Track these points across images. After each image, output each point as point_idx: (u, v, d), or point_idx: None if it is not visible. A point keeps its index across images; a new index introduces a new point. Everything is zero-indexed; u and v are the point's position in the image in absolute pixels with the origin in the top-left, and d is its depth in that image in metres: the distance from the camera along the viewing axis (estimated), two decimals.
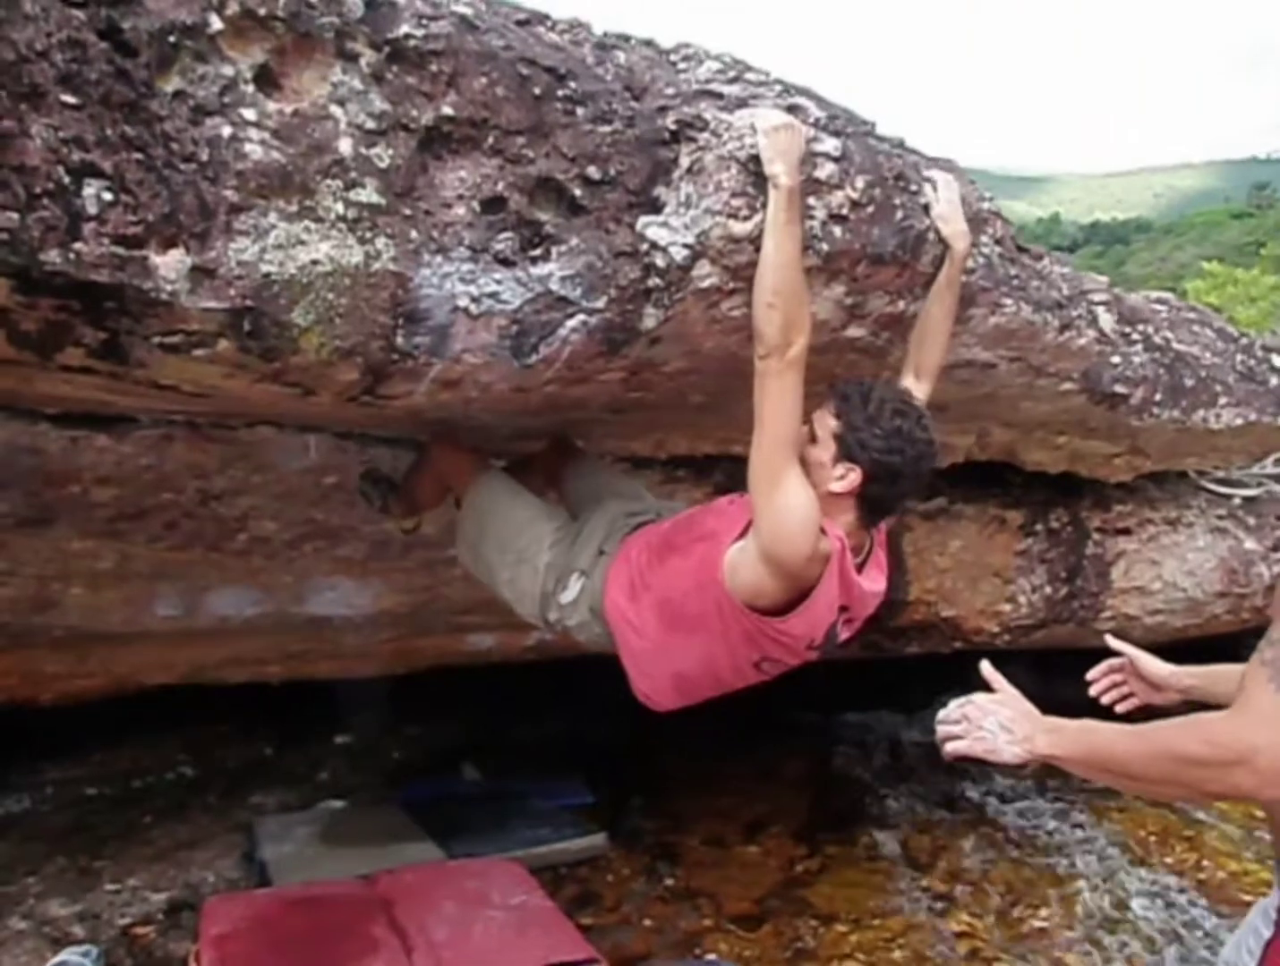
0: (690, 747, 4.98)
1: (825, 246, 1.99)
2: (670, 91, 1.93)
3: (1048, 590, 4.30)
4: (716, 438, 3.10)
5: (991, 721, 1.51)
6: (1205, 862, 3.96)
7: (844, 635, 2.08)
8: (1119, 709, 1.92)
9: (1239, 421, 3.42)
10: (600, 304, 1.81)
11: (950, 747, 1.54)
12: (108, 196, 1.34)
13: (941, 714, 1.57)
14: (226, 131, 1.45)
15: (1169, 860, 4.01)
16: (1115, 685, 1.96)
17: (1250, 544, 4.65)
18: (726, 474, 3.49)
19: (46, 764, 4.37)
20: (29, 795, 4.16)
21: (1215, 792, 1.45)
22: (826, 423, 1.92)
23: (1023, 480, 4.15)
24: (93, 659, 3.63)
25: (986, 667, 1.64)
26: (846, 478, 1.89)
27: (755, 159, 1.84)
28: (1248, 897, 3.67)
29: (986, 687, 1.61)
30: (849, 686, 5.45)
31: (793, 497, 1.81)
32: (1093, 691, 1.97)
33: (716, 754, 4.99)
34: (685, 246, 1.83)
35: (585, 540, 2.30)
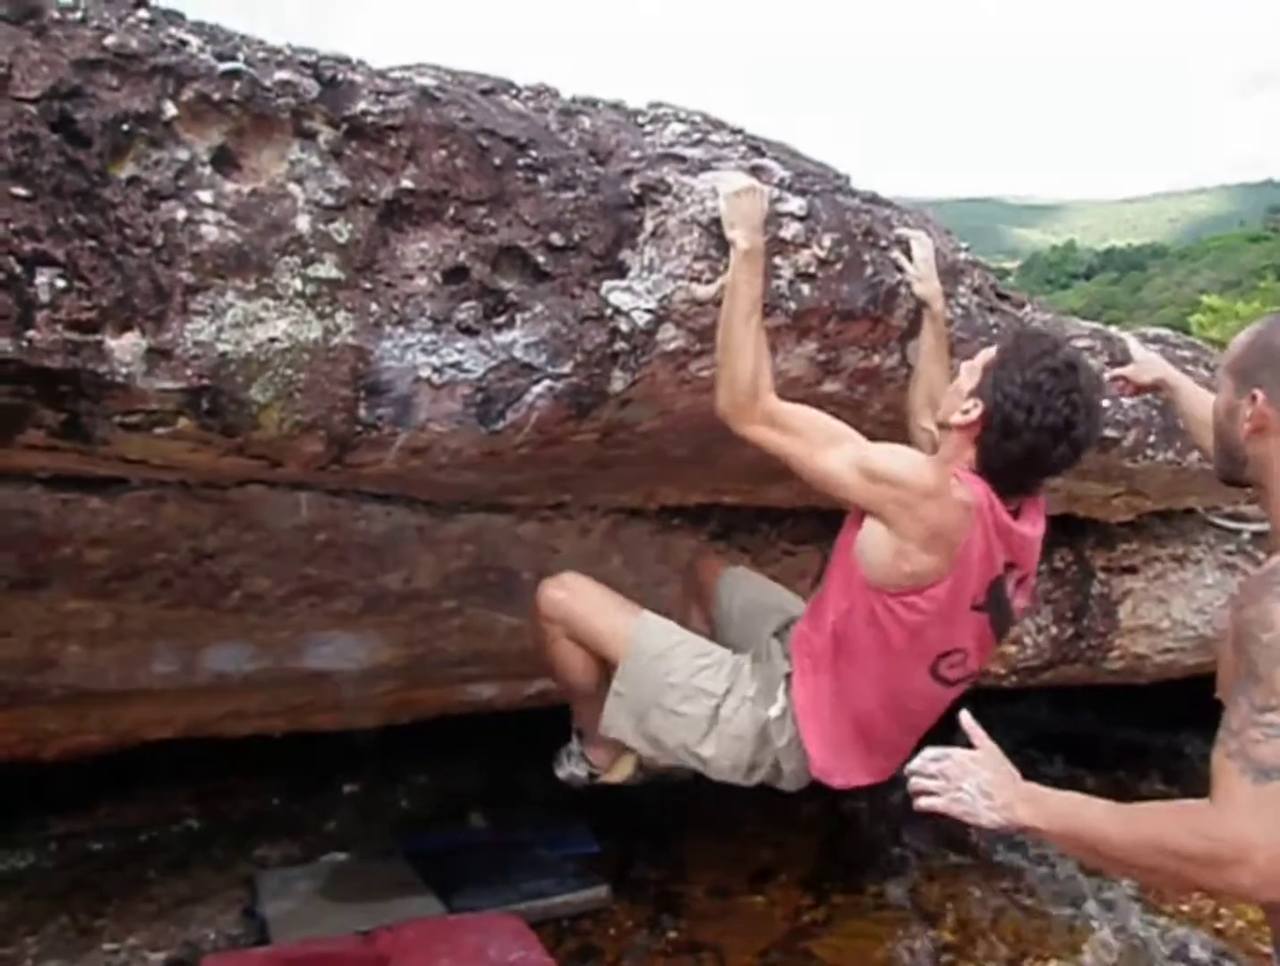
0: (701, 790, 4.93)
1: (793, 305, 2.00)
2: (635, 155, 1.95)
3: (1054, 631, 4.25)
4: (705, 488, 3.10)
5: (971, 783, 1.44)
6: (1223, 911, 3.87)
7: (1018, 600, 1.96)
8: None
9: None
10: (566, 369, 1.82)
11: (925, 803, 1.47)
12: (60, 284, 1.37)
13: (915, 764, 1.49)
14: (182, 214, 1.47)
15: (1185, 908, 3.92)
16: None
17: None
18: (721, 521, 3.49)
19: (54, 818, 4.37)
20: (34, 851, 4.15)
21: (1205, 887, 1.38)
22: (989, 353, 1.90)
23: None
24: (93, 716, 3.64)
25: (966, 719, 1.54)
26: (969, 413, 1.84)
27: (717, 222, 1.85)
28: (1266, 949, 3.58)
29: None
30: None
31: (876, 456, 1.80)
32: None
33: (727, 796, 4.92)
34: (648, 311, 1.84)
35: (771, 653, 2.14)
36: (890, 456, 1.82)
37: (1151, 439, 3.13)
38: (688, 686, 2.06)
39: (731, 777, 2.16)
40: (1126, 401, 3.01)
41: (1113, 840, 1.34)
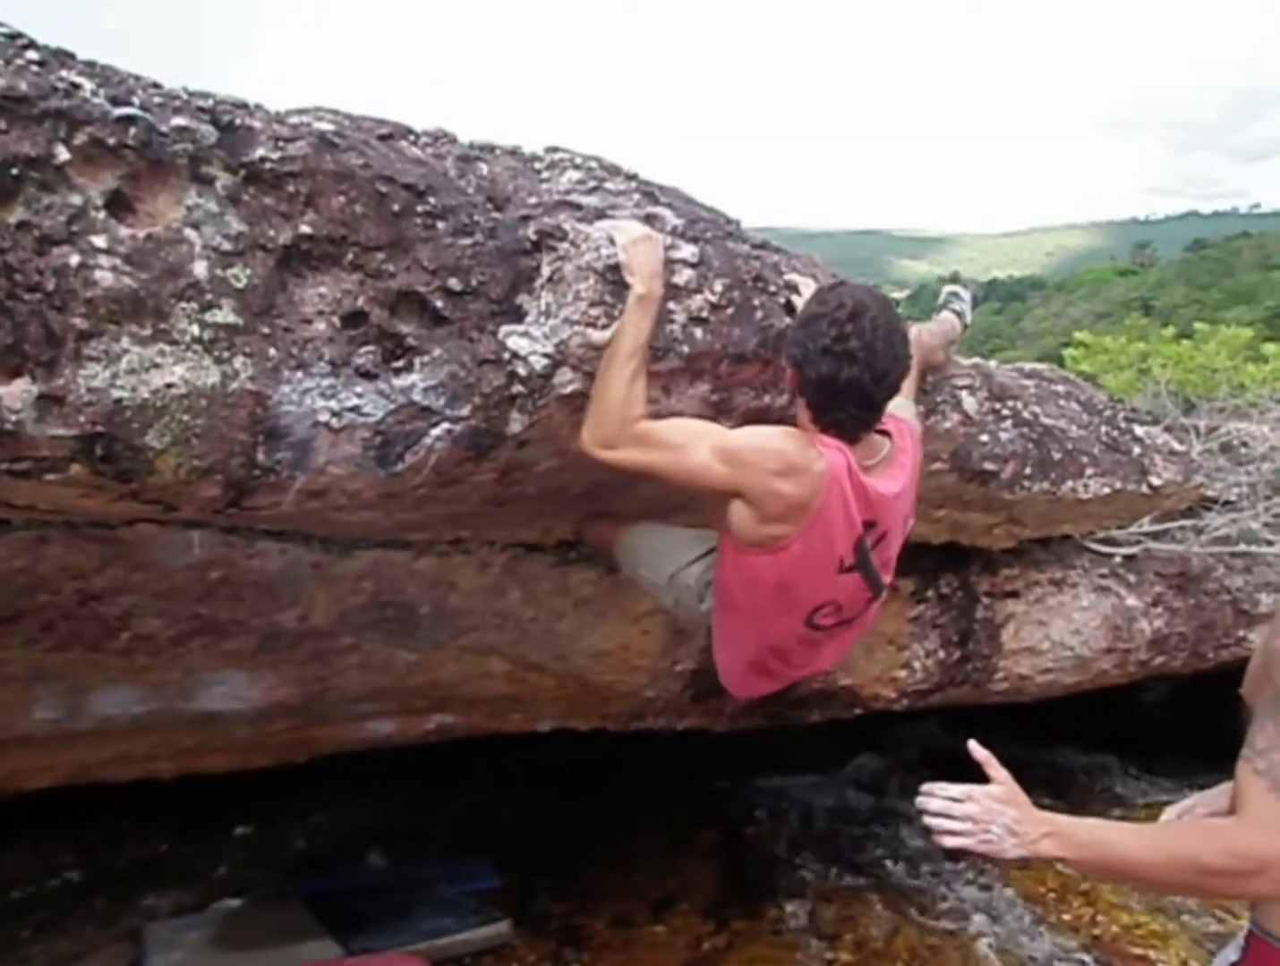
0: (603, 820, 4.95)
1: (686, 348, 2.06)
2: (532, 201, 1.99)
3: (941, 654, 4.40)
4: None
5: (999, 826, 1.50)
6: (1100, 917, 4.04)
7: (879, 555, 2.14)
8: None
9: (1106, 490, 3.58)
10: (465, 412, 1.85)
11: (952, 843, 1.51)
12: None
13: (938, 805, 1.53)
14: (75, 260, 1.46)
15: (1066, 916, 4.09)
16: None
17: (1131, 601, 4.83)
18: None
19: None
20: None
21: (1229, 896, 1.52)
22: None
23: (913, 548, 4.25)
24: None
25: (979, 752, 1.60)
26: (787, 377, 2.04)
27: (613, 269, 1.91)
28: (1138, 951, 3.77)
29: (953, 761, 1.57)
30: (762, 752, 5.49)
31: (732, 442, 1.95)
32: None
33: (629, 826, 4.96)
34: (545, 355, 1.88)
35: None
36: (745, 439, 1.98)
37: (1027, 471, 3.29)
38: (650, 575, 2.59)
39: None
40: (1004, 435, 3.17)
41: (1143, 865, 1.45)
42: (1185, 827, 1.51)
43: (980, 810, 1.51)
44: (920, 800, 1.55)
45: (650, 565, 2.57)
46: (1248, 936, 1.57)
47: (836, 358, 1.90)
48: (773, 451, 1.93)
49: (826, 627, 2.19)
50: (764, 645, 2.24)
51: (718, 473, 1.94)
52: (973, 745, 1.61)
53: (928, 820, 1.53)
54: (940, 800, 1.53)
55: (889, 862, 4.71)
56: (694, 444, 1.95)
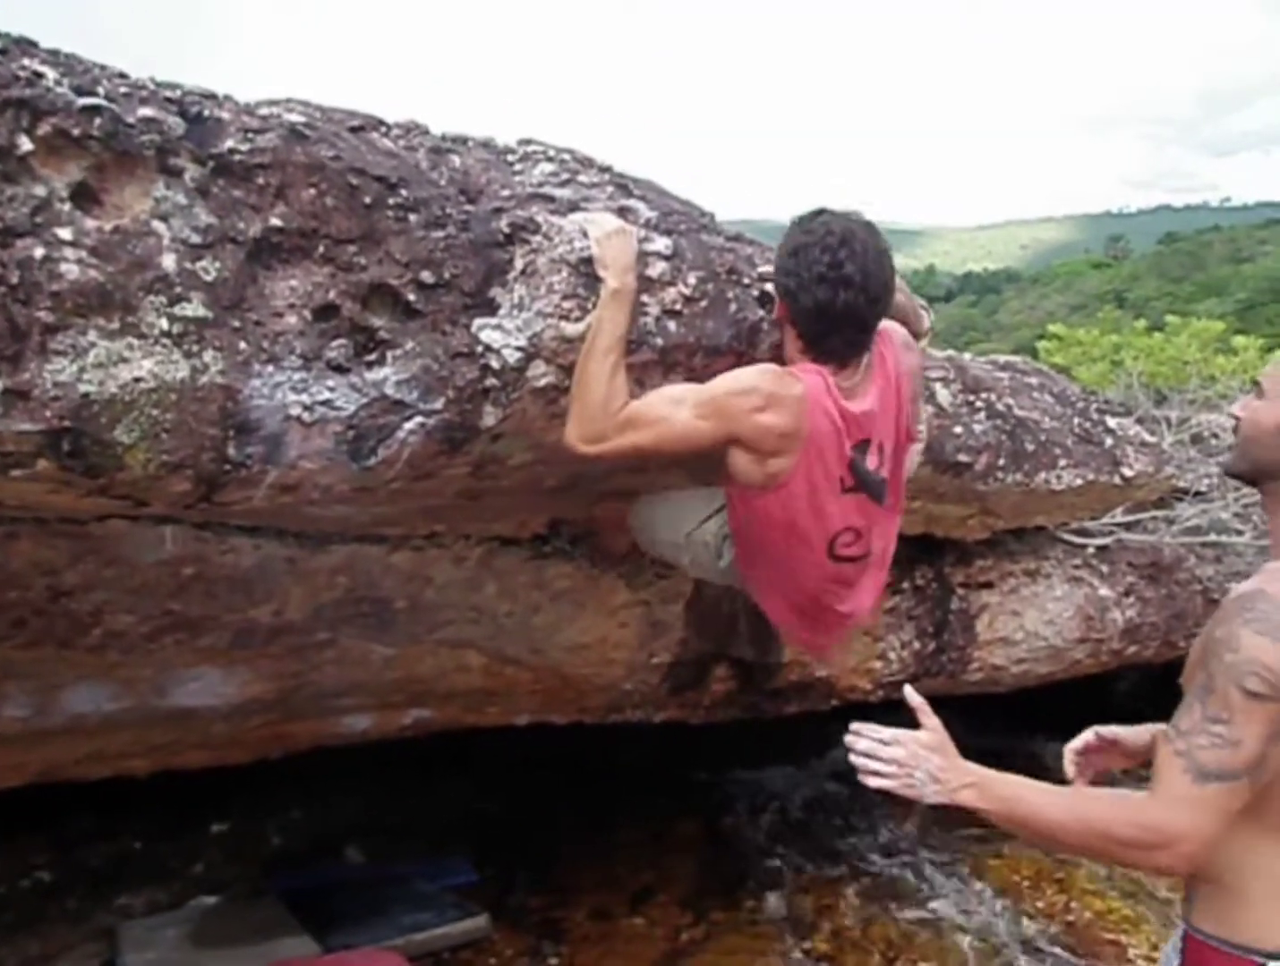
0: (582, 813, 4.96)
1: (660, 341, 2.06)
2: (505, 193, 1.98)
3: (916, 645, 4.42)
4: (577, 519, 3.14)
5: (922, 769, 1.53)
6: (1073, 904, 4.10)
7: (886, 468, 2.14)
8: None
9: (1079, 482, 3.61)
10: (438, 405, 1.84)
11: (875, 783, 1.54)
12: None
13: (865, 745, 1.55)
14: (39, 252, 1.44)
15: (1040, 904, 4.13)
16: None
17: (1104, 591, 4.88)
18: (594, 546, 3.53)
19: None
20: None
21: (1136, 866, 1.54)
22: None
23: None
24: None
25: (913, 697, 1.62)
26: (775, 307, 2.07)
27: (586, 261, 1.91)
28: (1110, 936, 3.82)
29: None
30: (740, 744, 5.51)
31: (708, 397, 1.97)
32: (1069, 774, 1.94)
33: (608, 819, 4.97)
34: (518, 348, 1.87)
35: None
36: (719, 387, 1.99)
37: (1001, 462, 3.31)
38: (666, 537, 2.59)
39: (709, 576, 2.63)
40: (978, 427, 3.19)
41: (1056, 826, 1.49)
42: (1101, 796, 1.53)
43: (907, 754, 1.54)
44: (849, 738, 1.57)
45: (666, 527, 2.57)
46: (1184, 936, 1.59)
47: (832, 284, 1.92)
48: (749, 388, 1.96)
49: (852, 558, 2.20)
50: (798, 589, 2.25)
51: (705, 428, 1.97)
52: (908, 690, 1.64)
53: (854, 759, 1.55)
54: (868, 740, 1.55)
55: (865, 853, 4.74)
56: (675, 411, 1.97)
